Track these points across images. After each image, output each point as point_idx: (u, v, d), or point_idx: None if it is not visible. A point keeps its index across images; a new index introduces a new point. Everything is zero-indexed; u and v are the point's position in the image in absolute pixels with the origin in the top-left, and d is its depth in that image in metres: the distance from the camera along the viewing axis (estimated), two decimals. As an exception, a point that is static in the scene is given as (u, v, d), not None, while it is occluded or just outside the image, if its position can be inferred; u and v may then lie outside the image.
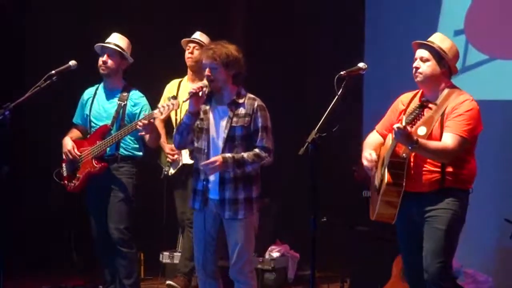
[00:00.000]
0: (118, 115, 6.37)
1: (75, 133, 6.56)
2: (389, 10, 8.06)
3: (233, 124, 5.34)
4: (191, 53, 7.18)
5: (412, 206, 4.96)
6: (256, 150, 5.34)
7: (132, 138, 6.40)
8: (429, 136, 4.89)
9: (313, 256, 4.92)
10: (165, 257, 7.66)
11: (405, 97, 5.20)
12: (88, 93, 6.60)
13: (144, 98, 6.46)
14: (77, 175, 6.40)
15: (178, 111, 6.75)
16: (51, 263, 8.41)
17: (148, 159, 6.72)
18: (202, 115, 5.42)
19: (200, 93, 5.31)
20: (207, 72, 5.34)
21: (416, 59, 5.05)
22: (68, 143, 6.41)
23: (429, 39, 5.06)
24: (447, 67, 5.02)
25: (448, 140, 4.86)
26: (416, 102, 5.07)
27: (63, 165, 6.47)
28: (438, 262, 4.89)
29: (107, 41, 6.44)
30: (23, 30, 8.74)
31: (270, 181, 5.80)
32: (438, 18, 7.74)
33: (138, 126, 6.05)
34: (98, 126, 6.41)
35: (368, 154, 5.07)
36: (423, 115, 4.99)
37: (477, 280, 7.05)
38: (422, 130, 4.91)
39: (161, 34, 8.46)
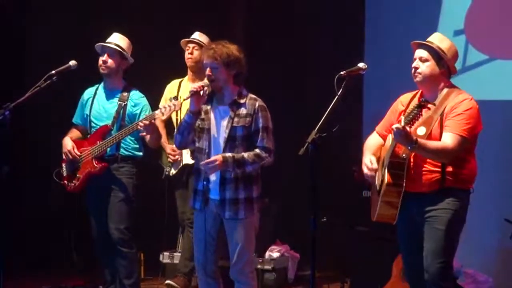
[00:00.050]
0: (119, 115, 6.37)
1: (75, 133, 6.55)
2: (389, 10, 8.06)
3: (234, 124, 5.34)
4: (191, 53, 7.18)
5: (412, 206, 4.95)
6: (257, 150, 5.33)
7: (133, 138, 6.40)
8: (429, 136, 4.89)
9: (313, 256, 4.91)
10: (165, 257, 7.66)
11: (405, 97, 5.19)
12: (88, 93, 6.59)
13: (145, 99, 6.46)
14: (77, 175, 6.39)
15: (179, 111, 6.75)
16: (51, 263, 8.40)
17: (148, 159, 6.71)
18: (203, 115, 5.41)
19: (201, 92, 5.30)
20: (208, 71, 5.33)
21: (415, 59, 5.04)
22: (68, 143, 6.41)
23: (428, 39, 5.06)
24: (446, 67, 5.02)
25: (448, 139, 4.85)
26: (415, 103, 5.07)
27: (63, 165, 6.47)
28: (439, 262, 4.89)
29: (107, 40, 6.44)
30: (23, 30, 8.74)
31: (270, 181, 5.79)
32: (438, 18, 7.74)
33: (139, 127, 6.04)
34: (98, 126, 6.41)
35: (369, 161, 5.04)
36: (422, 115, 4.99)
37: (477, 280, 7.05)
38: (421, 130, 4.90)
39: (161, 34, 8.45)
